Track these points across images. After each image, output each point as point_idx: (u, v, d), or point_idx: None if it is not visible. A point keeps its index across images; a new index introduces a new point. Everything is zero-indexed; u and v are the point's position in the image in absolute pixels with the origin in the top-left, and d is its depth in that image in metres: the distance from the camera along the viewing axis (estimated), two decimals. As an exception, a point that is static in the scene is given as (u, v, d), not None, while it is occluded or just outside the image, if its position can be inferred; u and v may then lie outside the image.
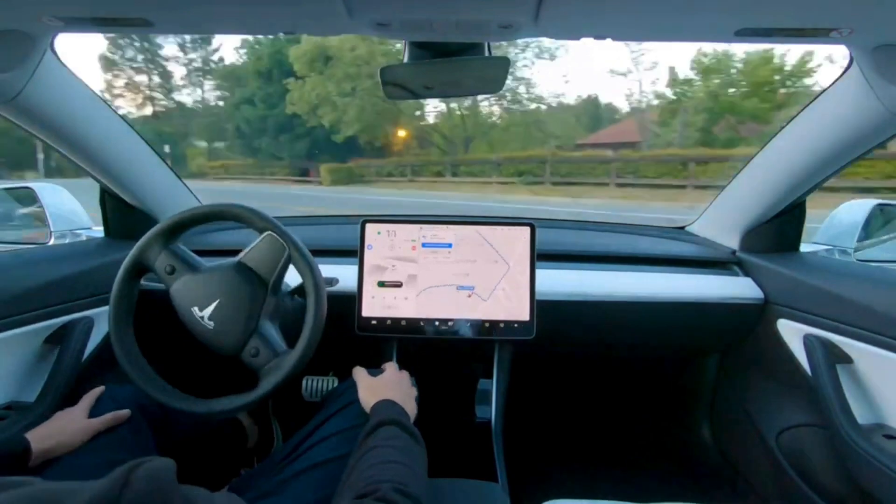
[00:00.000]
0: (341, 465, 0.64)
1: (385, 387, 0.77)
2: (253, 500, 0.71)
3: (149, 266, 0.85)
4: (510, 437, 1.04)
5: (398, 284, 1.02)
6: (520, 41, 0.84)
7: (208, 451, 1.12)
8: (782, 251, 1.15)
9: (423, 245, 1.02)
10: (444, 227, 1.03)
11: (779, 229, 1.13)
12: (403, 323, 1.00)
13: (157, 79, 21.12)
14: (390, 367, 0.85)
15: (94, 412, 0.77)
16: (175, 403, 0.80)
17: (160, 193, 1.18)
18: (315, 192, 13.23)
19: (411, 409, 0.76)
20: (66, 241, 1.26)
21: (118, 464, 0.73)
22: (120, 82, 20.08)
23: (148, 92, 20.84)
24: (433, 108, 16.97)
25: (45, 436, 0.70)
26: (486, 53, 0.77)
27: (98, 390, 0.81)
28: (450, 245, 1.03)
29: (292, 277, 0.91)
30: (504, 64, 0.77)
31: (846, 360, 0.88)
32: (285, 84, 15.79)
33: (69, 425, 0.73)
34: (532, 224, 1.03)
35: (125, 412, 0.77)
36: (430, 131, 17.29)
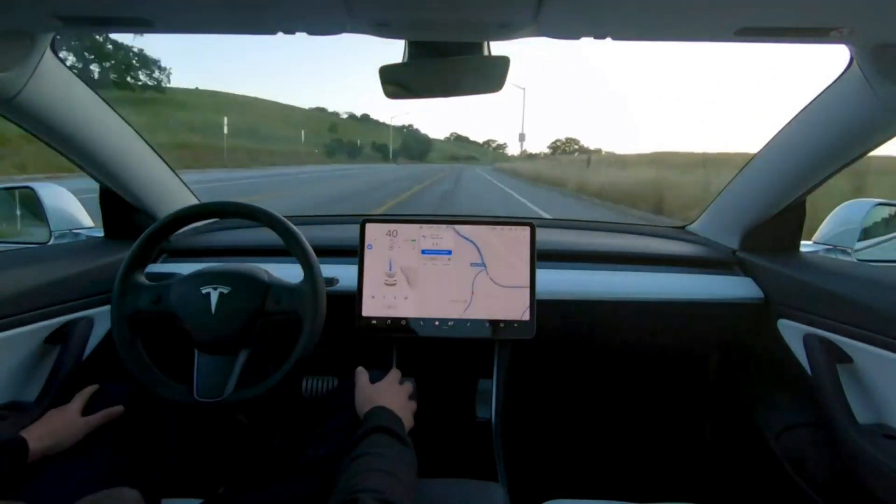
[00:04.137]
0: (335, 464, 0.65)
1: (381, 394, 0.77)
2: (248, 492, 0.71)
3: (138, 313, 0.85)
4: (510, 436, 1.04)
5: (398, 284, 1.02)
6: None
7: (208, 449, 1.12)
8: (782, 251, 1.15)
9: (424, 252, 1.02)
10: (444, 227, 1.03)
11: (779, 229, 1.13)
12: (403, 323, 1.00)
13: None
14: (393, 375, 0.84)
15: (87, 410, 0.77)
16: (249, 395, 0.82)
17: (160, 193, 1.18)
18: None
19: (407, 419, 0.75)
20: (66, 240, 1.26)
21: (111, 464, 0.74)
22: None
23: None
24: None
25: (43, 434, 0.70)
26: (486, 53, 0.77)
27: (91, 388, 0.81)
28: (449, 252, 1.02)
29: (293, 276, 0.91)
30: (504, 63, 0.76)
31: (846, 360, 0.88)
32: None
33: (64, 423, 0.73)
34: (532, 224, 1.03)
35: (118, 409, 0.78)
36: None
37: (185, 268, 0.94)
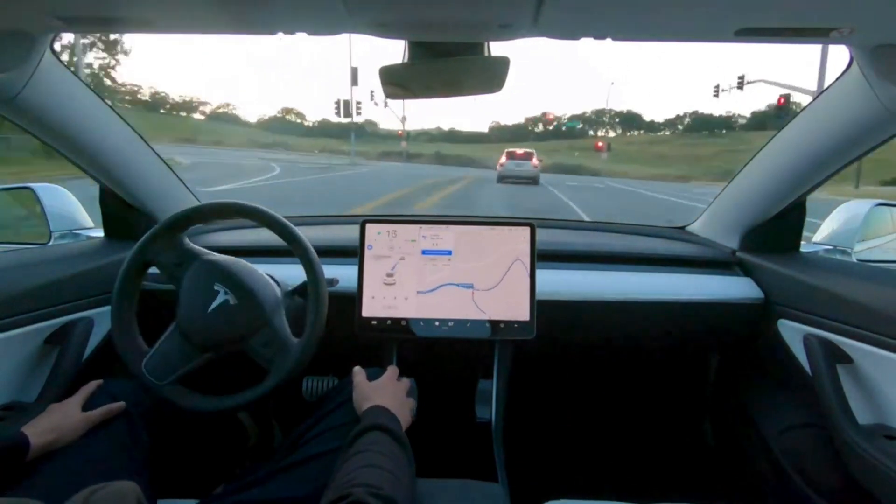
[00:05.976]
0: (334, 460, 0.65)
1: (379, 393, 0.77)
2: (245, 490, 0.71)
3: (153, 261, 0.85)
4: (510, 437, 1.04)
5: (398, 284, 1.02)
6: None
7: (207, 448, 1.12)
8: (782, 251, 1.15)
9: (424, 252, 1.02)
10: (444, 227, 1.03)
11: (779, 229, 1.13)
12: (403, 323, 1.00)
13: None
14: (390, 372, 0.84)
15: (89, 406, 0.77)
16: (184, 402, 0.81)
17: (160, 193, 1.17)
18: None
19: (404, 417, 0.75)
20: (66, 241, 1.26)
21: (112, 461, 0.74)
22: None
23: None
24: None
25: (45, 430, 0.70)
26: (487, 53, 0.76)
27: (94, 384, 0.81)
28: (449, 252, 1.02)
29: (294, 276, 0.91)
30: (505, 63, 0.76)
31: (846, 360, 0.88)
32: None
33: (65, 419, 0.73)
34: (532, 224, 1.03)
35: (119, 405, 0.78)
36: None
37: None
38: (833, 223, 1.31)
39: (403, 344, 1.09)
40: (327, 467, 0.65)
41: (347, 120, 29.77)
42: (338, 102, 26.73)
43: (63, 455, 0.70)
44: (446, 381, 1.09)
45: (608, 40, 0.67)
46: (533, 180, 17.65)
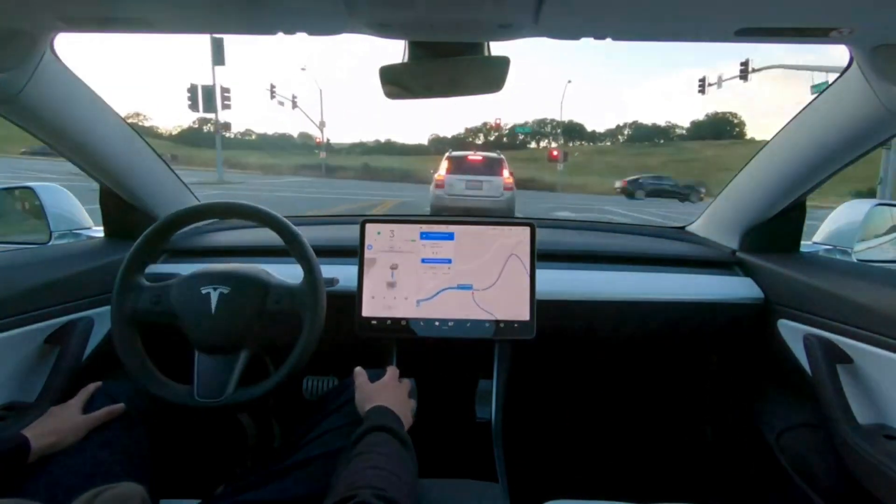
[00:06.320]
0: (336, 461, 0.65)
1: (381, 393, 0.77)
2: (246, 491, 0.72)
3: (135, 313, 0.86)
4: (510, 436, 1.04)
5: (398, 285, 1.02)
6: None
7: (207, 449, 1.12)
8: (782, 251, 1.15)
9: (423, 261, 1.02)
10: (444, 227, 1.03)
11: (779, 229, 1.13)
12: (403, 323, 1.00)
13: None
14: (391, 373, 0.84)
15: (88, 408, 0.77)
16: (244, 397, 0.82)
17: (160, 193, 1.18)
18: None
19: (406, 418, 0.75)
20: (66, 241, 1.26)
21: (112, 463, 0.74)
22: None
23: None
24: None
25: (45, 432, 0.70)
26: (487, 53, 0.77)
27: (93, 386, 0.81)
28: (449, 261, 1.02)
29: (293, 276, 0.91)
30: (505, 63, 0.77)
31: (846, 360, 0.88)
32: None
33: (65, 421, 0.73)
34: (532, 224, 1.03)
35: (119, 406, 0.78)
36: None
37: (186, 268, 0.94)
38: (833, 223, 1.31)
39: (403, 344, 1.09)
40: (329, 468, 0.66)
41: (211, 116, 19.10)
42: (192, 89, 17.10)
43: (64, 457, 0.70)
44: (446, 381, 1.09)
45: (608, 40, 0.67)
46: (504, 214, 7.87)
